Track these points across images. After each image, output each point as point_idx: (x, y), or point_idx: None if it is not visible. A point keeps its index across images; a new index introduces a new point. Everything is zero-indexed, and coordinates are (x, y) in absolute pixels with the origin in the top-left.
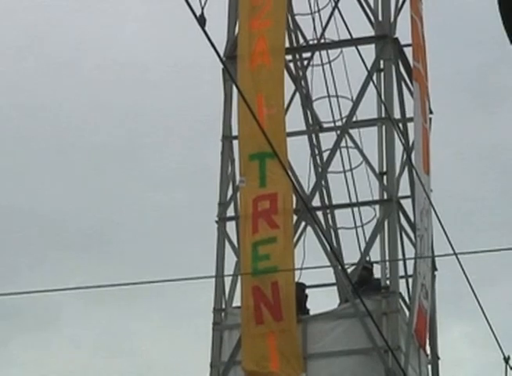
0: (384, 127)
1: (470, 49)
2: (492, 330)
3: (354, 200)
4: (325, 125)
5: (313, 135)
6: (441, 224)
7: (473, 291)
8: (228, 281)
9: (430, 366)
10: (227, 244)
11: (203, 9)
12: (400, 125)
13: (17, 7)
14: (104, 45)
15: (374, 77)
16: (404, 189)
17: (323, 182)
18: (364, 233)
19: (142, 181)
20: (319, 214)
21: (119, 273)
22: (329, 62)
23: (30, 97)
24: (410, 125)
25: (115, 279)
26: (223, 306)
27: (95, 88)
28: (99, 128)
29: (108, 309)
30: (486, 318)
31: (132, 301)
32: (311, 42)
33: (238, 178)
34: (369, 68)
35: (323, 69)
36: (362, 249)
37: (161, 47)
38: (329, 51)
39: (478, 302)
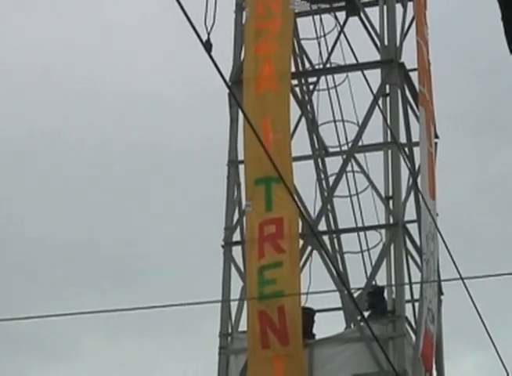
0: (389, 151)
1: (477, 76)
2: (500, 358)
3: (360, 224)
4: (331, 150)
5: (319, 160)
6: (447, 248)
7: (480, 316)
8: (234, 306)
9: None
10: (233, 268)
11: (209, 34)
12: (406, 150)
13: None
14: (117, 72)
15: (380, 102)
16: (410, 213)
17: (329, 207)
18: (370, 258)
19: (151, 208)
20: (325, 238)
21: (133, 301)
22: (335, 86)
23: (50, 126)
24: (416, 150)
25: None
26: (229, 331)
27: (109, 117)
28: (111, 158)
29: (127, 340)
30: (494, 346)
31: (150, 332)
32: (317, 67)
33: (244, 202)
34: (374, 93)
35: (329, 93)
36: (369, 273)
37: (168, 73)
38: (335, 75)
39: (485, 328)
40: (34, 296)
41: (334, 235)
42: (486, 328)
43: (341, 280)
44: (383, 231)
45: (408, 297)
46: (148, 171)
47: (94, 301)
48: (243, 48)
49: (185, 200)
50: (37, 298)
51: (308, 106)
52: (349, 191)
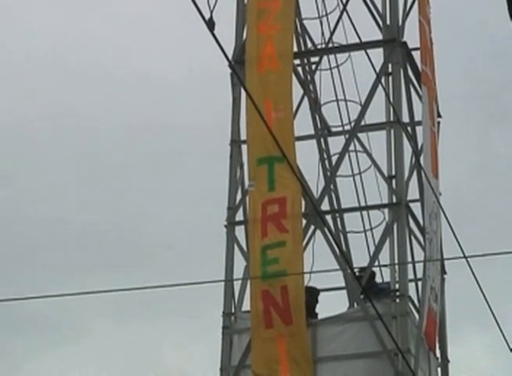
0: (392, 130)
1: (479, 55)
2: (504, 336)
3: (363, 203)
4: (333, 129)
5: (322, 139)
6: (450, 227)
7: (483, 294)
8: (237, 285)
9: (440, 369)
10: (236, 248)
11: (212, 13)
12: (409, 129)
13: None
14: (119, 52)
15: (383, 81)
16: (413, 192)
17: (332, 186)
18: (373, 237)
19: (154, 188)
20: (328, 218)
21: (137, 282)
22: (338, 66)
23: (62, 115)
24: (419, 129)
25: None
26: (233, 310)
27: (114, 99)
28: (116, 139)
29: (134, 322)
30: (498, 324)
31: (156, 313)
32: (319, 46)
33: (247, 182)
34: (377, 72)
35: (331, 73)
36: (371, 253)
37: (170, 53)
38: (338, 55)
39: (489, 306)
40: (40, 278)
41: (337, 214)
42: (490, 307)
43: (344, 259)
44: (386, 210)
45: (411, 276)
46: (151, 151)
47: (99, 282)
48: (246, 28)
49: (188, 180)
50: (43, 281)
51: (311, 86)
52: (352, 170)
